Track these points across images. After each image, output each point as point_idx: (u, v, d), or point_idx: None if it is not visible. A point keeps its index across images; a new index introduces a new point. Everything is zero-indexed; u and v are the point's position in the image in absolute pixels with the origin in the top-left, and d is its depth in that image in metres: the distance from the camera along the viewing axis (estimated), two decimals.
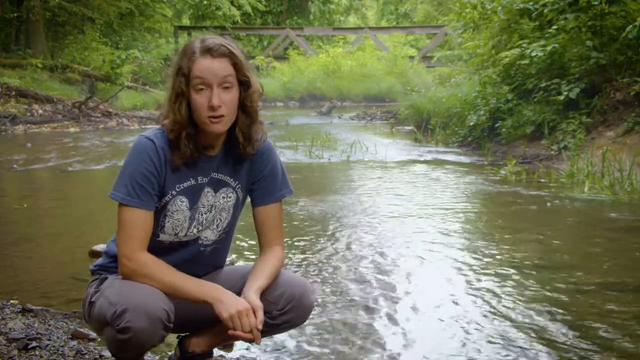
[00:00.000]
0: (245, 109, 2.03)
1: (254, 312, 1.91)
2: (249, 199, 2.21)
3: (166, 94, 2.04)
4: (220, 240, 2.18)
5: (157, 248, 2.02)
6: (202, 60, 1.95)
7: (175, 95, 1.98)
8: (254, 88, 2.03)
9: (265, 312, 1.97)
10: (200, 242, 2.13)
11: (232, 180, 2.12)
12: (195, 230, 2.09)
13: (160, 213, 2.03)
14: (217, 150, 2.07)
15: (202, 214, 2.09)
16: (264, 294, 2.00)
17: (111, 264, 2.08)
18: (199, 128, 1.99)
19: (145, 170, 1.96)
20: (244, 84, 2.01)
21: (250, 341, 1.94)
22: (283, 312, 2.04)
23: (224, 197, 2.12)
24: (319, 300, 3.19)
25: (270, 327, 2.04)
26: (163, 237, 2.06)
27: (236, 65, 1.98)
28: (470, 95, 10.83)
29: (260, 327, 1.91)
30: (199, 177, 2.06)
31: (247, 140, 2.06)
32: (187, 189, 2.04)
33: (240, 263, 3.72)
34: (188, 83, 1.96)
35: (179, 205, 2.04)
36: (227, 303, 1.90)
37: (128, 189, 1.95)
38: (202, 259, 2.16)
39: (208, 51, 1.95)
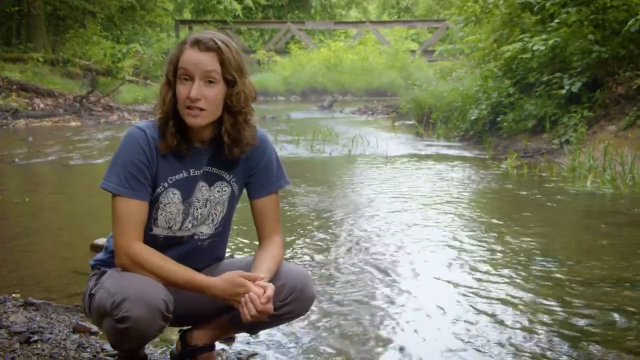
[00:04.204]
0: (229, 108, 2.01)
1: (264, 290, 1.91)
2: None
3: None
4: (217, 233, 2.17)
5: (152, 244, 2.01)
6: (189, 51, 1.95)
7: (163, 84, 2.00)
8: (239, 89, 1.99)
9: None
10: (196, 237, 2.12)
11: (226, 174, 2.11)
12: (190, 225, 2.08)
13: (152, 206, 2.02)
14: (209, 144, 2.06)
15: (197, 209, 2.08)
16: None
17: (111, 259, 2.07)
18: None
19: (137, 160, 1.96)
20: (229, 83, 1.98)
21: (261, 314, 1.89)
22: (285, 303, 2.04)
23: (218, 191, 2.11)
24: (323, 294, 3.19)
25: (272, 318, 2.03)
26: (157, 230, 2.06)
27: (223, 62, 1.96)
28: (472, 90, 10.80)
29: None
30: (191, 170, 2.05)
31: (233, 143, 2.03)
32: (179, 181, 2.04)
33: (239, 256, 3.72)
34: (175, 73, 1.97)
35: (171, 198, 2.03)
36: (221, 284, 1.91)
37: (120, 179, 1.95)
38: (201, 253, 2.16)
39: (196, 43, 1.95)
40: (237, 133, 2.03)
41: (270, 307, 1.89)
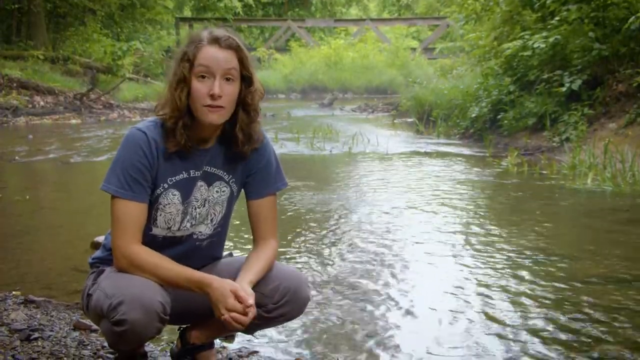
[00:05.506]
0: (246, 106, 2.01)
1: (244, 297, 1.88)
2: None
3: (167, 82, 2.02)
4: (216, 233, 2.16)
5: (152, 244, 2.01)
6: (209, 48, 1.94)
7: (176, 82, 1.96)
8: (256, 86, 2.02)
9: (261, 306, 1.96)
10: (195, 237, 2.11)
11: (225, 174, 2.10)
12: (188, 225, 2.08)
13: (152, 206, 2.01)
14: (210, 144, 2.06)
15: (195, 208, 2.07)
16: (258, 287, 1.97)
17: (109, 257, 2.06)
18: (195, 119, 1.98)
19: (137, 163, 1.95)
20: (247, 80, 1.99)
21: (240, 329, 1.90)
22: (278, 305, 2.02)
23: (217, 191, 2.10)
24: (321, 292, 3.19)
25: (265, 321, 2.03)
26: (156, 231, 2.05)
27: (241, 59, 1.97)
28: (472, 87, 10.81)
29: (251, 304, 1.87)
30: (191, 171, 2.04)
31: (246, 139, 2.04)
32: (179, 182, 2.03)
33: (238, 254, 3.72)
34: (191, 70, 1.94)
35: (171, 199, 2.03)
36: (217, 286, 1.89)
37: (120, 181, 1.94)
38: (199, 253, 2.15)
39: (216, 41, 1.94)
40: (251, 130, 2.04)
41: (246, 319, 1.87)
